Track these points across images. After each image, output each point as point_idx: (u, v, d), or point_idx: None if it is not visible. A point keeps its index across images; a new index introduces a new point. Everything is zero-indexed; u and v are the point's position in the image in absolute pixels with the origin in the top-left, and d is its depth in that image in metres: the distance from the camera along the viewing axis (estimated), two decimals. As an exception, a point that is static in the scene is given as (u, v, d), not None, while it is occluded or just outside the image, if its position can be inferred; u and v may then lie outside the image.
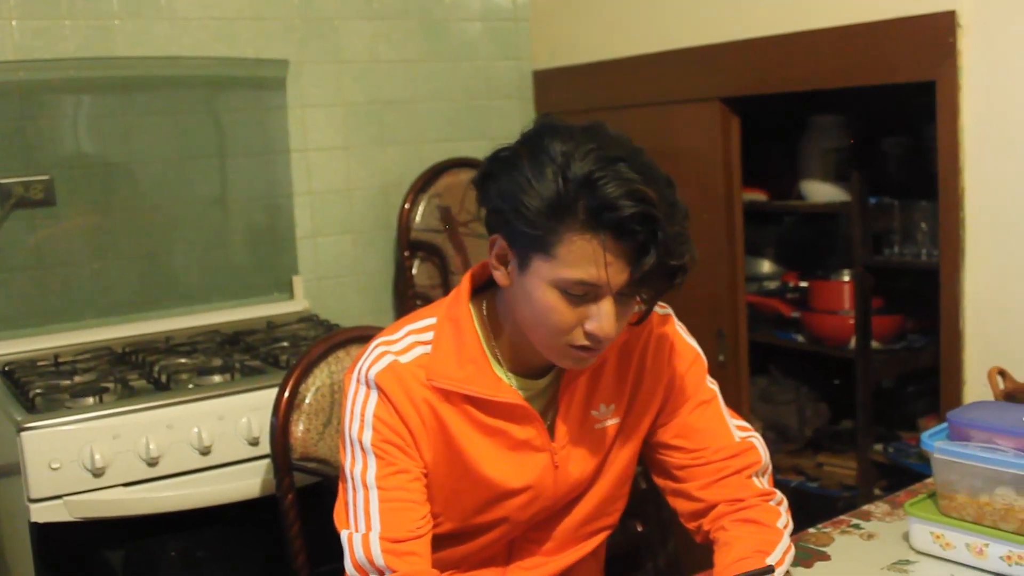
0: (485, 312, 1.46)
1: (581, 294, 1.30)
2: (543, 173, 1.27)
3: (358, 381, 1.42)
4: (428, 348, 1.42)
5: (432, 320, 1.46)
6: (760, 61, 2.54)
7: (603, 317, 1.31)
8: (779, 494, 1.54)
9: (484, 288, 1.48)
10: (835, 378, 3.09)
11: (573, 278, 1.28)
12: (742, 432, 1.56)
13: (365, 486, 1.38)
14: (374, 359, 1.42)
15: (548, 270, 1.29)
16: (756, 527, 1.45)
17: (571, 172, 1.26)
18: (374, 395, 1.40)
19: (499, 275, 1.38)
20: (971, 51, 2.07)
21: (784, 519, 1.49)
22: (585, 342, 1.34)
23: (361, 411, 1.40)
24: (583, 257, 1.27)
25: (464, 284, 1.47)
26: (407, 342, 1.43)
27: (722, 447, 1.52)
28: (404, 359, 1.41)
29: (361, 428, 1.40)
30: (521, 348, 1.43)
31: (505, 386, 1.43)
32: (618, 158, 1.26)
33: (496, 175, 1.33)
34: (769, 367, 3.13)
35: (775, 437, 3.00)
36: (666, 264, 1.28)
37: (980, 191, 2.10)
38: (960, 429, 1.51)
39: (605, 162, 1.25)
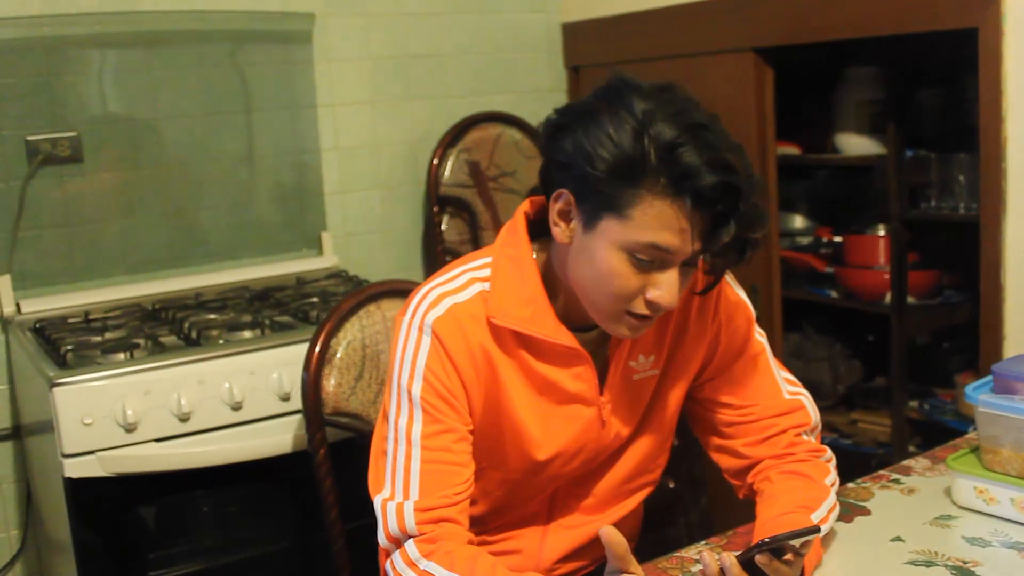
0: (536, 259, 1.41)
1: (649, 259, 1.26)
2: (623, 129, 1.22)
3: (410, 325, 1.37)
4: (487, 286, 1.38)
5: (488, 259, 1.41)
6: (795, 9, 2.48)
7: (668, 286, 1.27)
8: (828, 451, 1.51)
9: (534, 234, 1.42)
10: (869, 334, 3.05)
11: (646, 241, 1.24)
12: (791, 387, 1.53)
13: (409, 441, 1.34)
14: (432, 303, 1.37)
15: (619, 232, 1.25)
16: (804, 481, 1.43)
17: (654, 132, 1.21)
18: (427, 341, 1.35)
19: (559, 231, 1.33)
20: (1015, -4, 2.02)
21: (832, 476, 1.47)
22: (645, 311, 1.30)
23: (413, 358, 1.36)
24: (659, 221, 1.23)
25: (520, 223, 1.41)
26: (464, 279, 1.39)
27: (771, 404, 1.49)
28: (462, 297, 1.37)
29: (412, 378, 1.35)
30: (574, 304, 1.38)
31: (564, 330, 1.38)
32: (701, 124, 1.22)
33: (570, 127, 1.28)
34: (802, 323, 3.10)
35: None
36: (742, 236, 1.25)
37: (1023, 141, 2.06)
38: (1005, 382, 1.47)
39: (689, 127, 1.21)
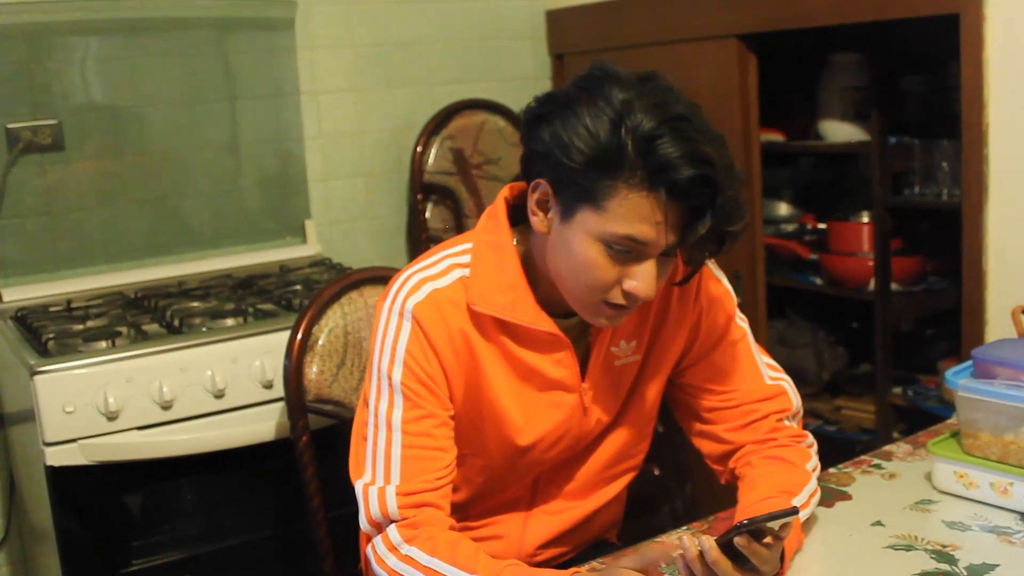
0: (518, 246, 1.40)
1: (626, 250, 1.25)
2: (601, 120, 1.21)
3: (390, 311, 1.37)
4: (467, 271, 1.37)
5: (468, 245, 1.40)
6: (779, -5, 2.48)
7: (644, 277, 1.27)
8: (810, 437, 1.52)
9: (516, 220, 1.42)
10: (853, 321, 3.06)
11: (622, 233, 1.23)
12: (773, 373, 1.53)
13: (389, 427, 1.34)
14: (412, 288, 1.36)
15: (595, 223, 1.25)
16: (784, 466, 1.43)
17: (631, 124, 1.20)
18: (407, 326, 1.35)
19: (537, 221, 1.32)
20: (997, -18, 2.02)
21: (814, 462, 1.47)
22: (621, 301, 1.30)
23: (393, 344, 1.35)
24: (635, 213, 1.22)
25: (500, 209, 1.41)
26: (445, 265, 1.38)
27: (753, 389, 1.50)
28: (442, 283, 1.36)
29: (392, 363, 1.35)
30: (555, 291, 1.38)
31: (545, 316, 1.38)
32: (681, 116, 1.21)
33: (548, 116, 1.27)
34: (786, 310, 3.10)
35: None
36: (719, 229, 1.25)
37: (1004, 127, 2.06)
38: (985, 367, 1.48)
39: (668, 119, 1.20)
